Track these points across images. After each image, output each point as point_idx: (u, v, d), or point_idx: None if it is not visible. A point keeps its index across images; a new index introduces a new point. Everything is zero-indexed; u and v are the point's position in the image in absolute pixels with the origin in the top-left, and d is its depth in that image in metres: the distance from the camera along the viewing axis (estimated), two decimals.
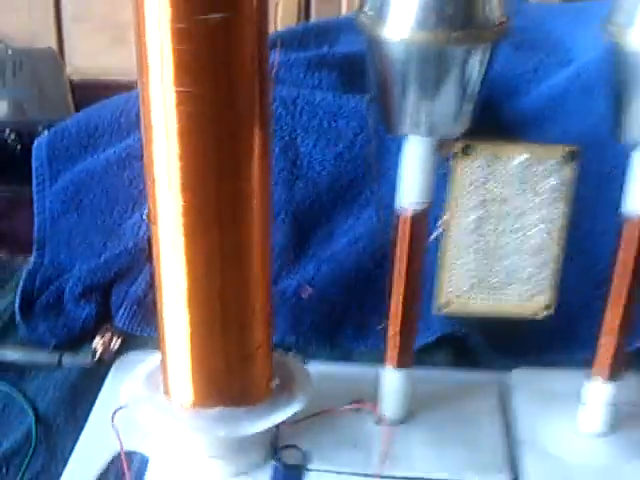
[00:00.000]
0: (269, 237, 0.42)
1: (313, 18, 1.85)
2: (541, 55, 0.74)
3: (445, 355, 0.55)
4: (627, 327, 0.46)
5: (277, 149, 0.62)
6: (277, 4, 1.19)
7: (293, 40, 0.78)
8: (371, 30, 0.38)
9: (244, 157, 0.38)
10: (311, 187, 0.61)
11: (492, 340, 0.55)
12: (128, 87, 0.71)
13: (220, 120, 0.37)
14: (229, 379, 0.42)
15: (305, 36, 0.80)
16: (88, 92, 0.89)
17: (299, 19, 1.31)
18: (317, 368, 0.49)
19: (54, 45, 2.24)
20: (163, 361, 0.43)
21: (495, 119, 0.72)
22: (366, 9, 0.38)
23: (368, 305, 0.55)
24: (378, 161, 0.59)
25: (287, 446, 0.35)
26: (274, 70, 0.69)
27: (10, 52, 0.93)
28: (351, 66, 0.69)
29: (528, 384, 0.52)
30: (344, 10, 1.27)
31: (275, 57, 0.71)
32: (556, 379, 0.52)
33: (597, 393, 0.48)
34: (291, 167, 0.62)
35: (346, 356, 0.55)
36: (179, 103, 0.37)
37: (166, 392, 0.44)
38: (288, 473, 0.35)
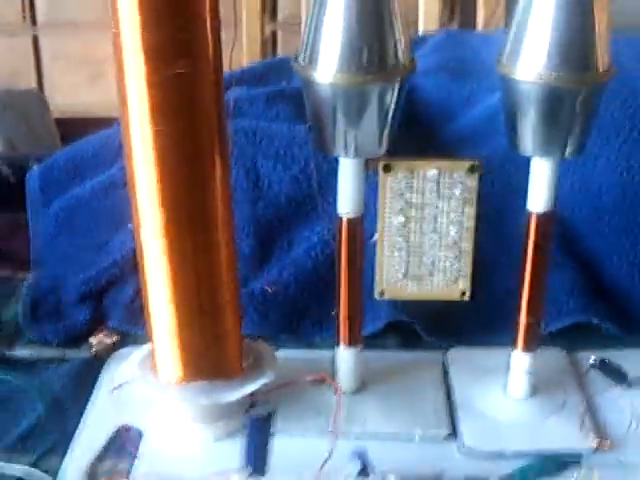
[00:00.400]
0: (233, 241, 0.51)
1: (280, 51, 1.96)
2: (474, 83, 0.85)
3: (394, 340, 0.65)
4: (536, 306, 0.56)
5: (241, 173, 0.72)
6: (234, 41, 1.29)
7: (254, 77, 0.88)
8: (305, 74, 0.48)
9: (208, 177, 0.48)
10: (271, 205, 0.70)
11: (431, 326, 0.65)
12: (106, 122, 0.81)
13: (188, 150, 0.47)
14: (207, 358, 0.52)
15: (265, 73, 0.90)
16: (69, 127, 0.99)
17: (266, 53, 1.41)
18: (283, 353, 0.58)
19: (34, 83, 2.34)
20: (152, 347, 0.53)
21: (437, 139, 0.83)
22: (300, 57, 0.49)
23: (324, 301, 0.63)
24: (326, 181, 0.68)
25: (259, 403, 0.45)
26: (236, 105, 0.79)
27: None
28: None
29: (463, 360, 0.61)
30: None
31: (239, 93, 0.81)
32: (485, 356, 0.61)
33: (518, 363, 0.57)
34: (253, 188, 0.71)
35: (308, 345, 0.64)
36: (154, 138, 0.46)
37: (155, 372, 0.53)
38: (260, 422, 0.44)
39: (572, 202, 0.71)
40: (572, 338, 0.64)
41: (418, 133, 0.80)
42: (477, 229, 0.53)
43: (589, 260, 0.69)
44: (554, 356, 0.62)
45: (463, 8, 1.98)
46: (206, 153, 0.48)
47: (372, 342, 0.62)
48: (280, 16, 1.96)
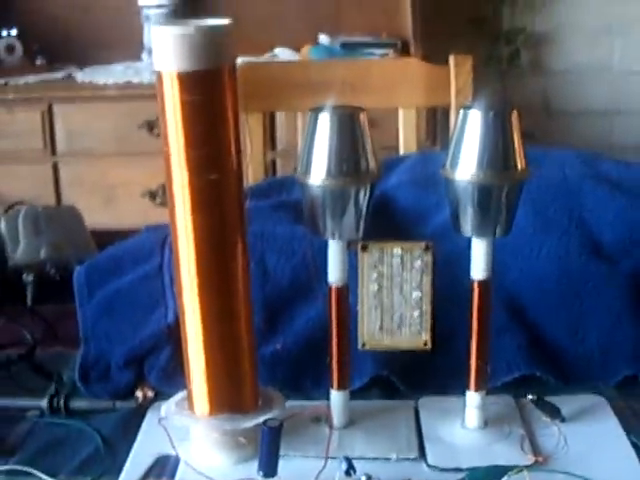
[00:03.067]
0: (250, 308, 0.68)
1: (279, 172, 2.22)
2: (440, 193, 1.03)
3: (377, 393, 0.80)
4: (483, 351, 0.72)
5: (252, 264, 0.89)
6: (247, 166, 1.52)
7: (261, 192, 1.08)
8: (302, 179, 0.67)
9: (233, 256, 0.66)
10: (277, 288, 0.87)
11: (406, 380, 0.81)
12: (121, 234, 1.00)
13: (218, 235, 0.65)
14: (231, 396, 0.68)
15: (269, 189, 1.10)
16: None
17: (267, 175, 1.63)
18: (287, 403, 0.73)
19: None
20: (189, 388, 0.69)
21: (409, 239, 1.01)
22: (299, 168, 0.67)
23: (320, 363, 0.77)
24: (321, 268, 0.85)
25: (270, 419, 0.61)
26: (249, 213, 0.98)
27: (41, 209, 1.20)
28: (301, 207, 0.98)
29: (431, 405, 0.77)
30: None
31: (248, 205, 1.00)
32: (448, 401, 0.76)
33: (471, 400, 0.73)
34: (262, 275, 0.88)
35: (307, 398, 0.79)
36: (193, 225, 0.64)
37: (190, 408, 0.69)
38: (272, 431, 0.60)
39: (520, 281, 0.88)
40: (519, 387, 0.80)
41: (396, 235, 0.98)
42: (434, 294, 0.71)
43: (533, 326, 0.86)
44: (503, 400, 0.78)
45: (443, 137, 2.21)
46: (231, 239, 0.66)
47: (359, 395, 0.77)
48: (279, 147, 2.24)
